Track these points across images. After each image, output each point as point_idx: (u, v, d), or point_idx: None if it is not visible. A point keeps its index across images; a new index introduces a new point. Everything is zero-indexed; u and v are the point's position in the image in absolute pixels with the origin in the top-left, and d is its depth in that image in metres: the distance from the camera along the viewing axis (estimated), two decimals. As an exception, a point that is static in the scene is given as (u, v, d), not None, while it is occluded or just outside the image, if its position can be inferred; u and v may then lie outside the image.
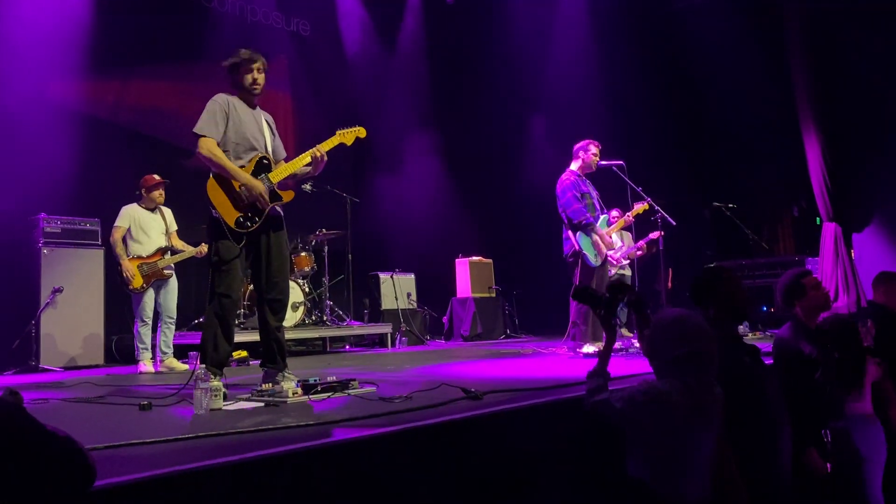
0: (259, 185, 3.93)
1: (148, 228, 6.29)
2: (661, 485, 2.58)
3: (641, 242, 7.69)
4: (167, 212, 6.49)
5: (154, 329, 6.30)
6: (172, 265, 6.33)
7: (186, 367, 5.97)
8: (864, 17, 9.01)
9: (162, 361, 6.23)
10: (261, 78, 4.12)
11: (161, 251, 6.29)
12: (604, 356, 2.92)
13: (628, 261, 8.03)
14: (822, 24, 8.85)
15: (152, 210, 6.38)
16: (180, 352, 7.07)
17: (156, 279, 6.23)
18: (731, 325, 3.04)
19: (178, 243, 6.44)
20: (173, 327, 6.39)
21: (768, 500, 2.80)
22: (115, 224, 6.24)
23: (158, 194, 6.39)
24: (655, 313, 2.76)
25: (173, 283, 6.38)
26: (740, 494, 2.73)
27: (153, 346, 6.27)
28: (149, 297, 6.20)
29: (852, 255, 8.61)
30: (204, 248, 6.27)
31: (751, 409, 2.82)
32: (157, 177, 6.42)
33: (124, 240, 6.22)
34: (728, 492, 2.70)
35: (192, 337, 6.94)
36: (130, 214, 6.28)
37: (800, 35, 8.77)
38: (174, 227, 6.50)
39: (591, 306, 2.98)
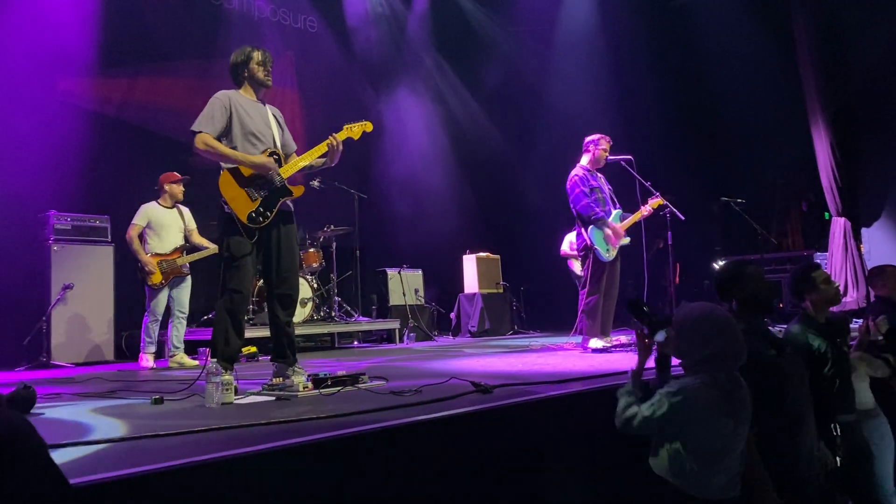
0: (266, 160, 3.96)
1: (165, 226, 6.32)
2: (690, 481, 2.51)
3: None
4: (185, 210, 6.52)
5: (164, 325, 6.34)
6: (188, 263, 6.37)
7: (196, 362, 6.02)
8: (872, 9, 8.96)
9: (172, 357, 6.26)
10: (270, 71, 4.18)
11: (179, 249, 6.33)
12: (637, 374, 2.76)
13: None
14: (830, 17, 8.82)
15: (170, 208, 6.42)
16: (190, 348, 7.12)
17: (174, 276, 6.27)
18: (756, 317, 3.06)
19: (201, 240, 6.48)
20: (185, 322, 6.42)
21: (791, 492, 2.80)
22: (133, 222, 6.26)
23: (179, 190, 6.44)
24: (676, 309, 2.70)
25: (189, 280, 6.42)
26: (766, 490, 2.70)
27: (163, 342, 6.32)
28: (163, 295, 6.24)
29: (862, 249, 8.59)
30: None
31: (774, 401, 2.82)
32: (177, 174, 6.46)
33: (142, 237, 6.26)
34: (755, 488, 2.67)
35: (202, 333, 6.98)
36: (147, 213, 6.30)
37: (808, 28, 8.74)
38: (193, 225, 6.52)
39: (638, 319, 2.84)
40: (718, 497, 2.52)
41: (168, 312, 6.33)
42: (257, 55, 4.10)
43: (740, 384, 2.58)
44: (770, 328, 3.21)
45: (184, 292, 6.37)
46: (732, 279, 3.14)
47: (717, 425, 2.50)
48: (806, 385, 3.07)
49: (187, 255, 6.34)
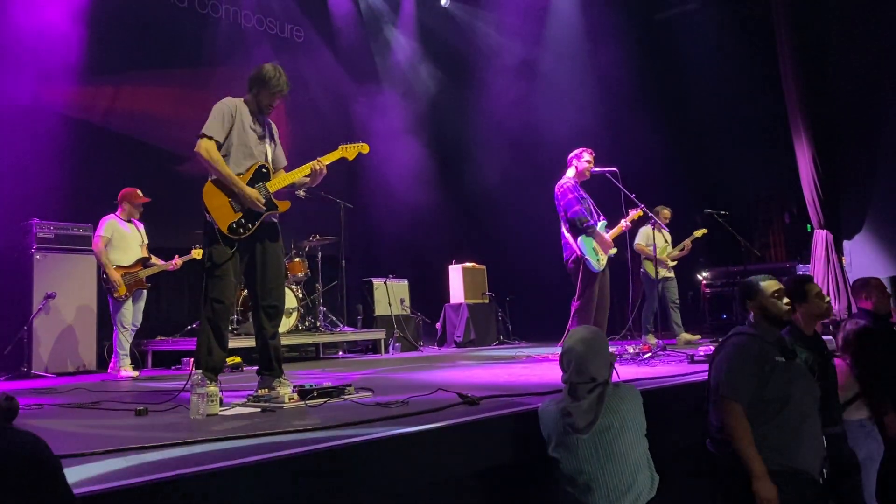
0: (253, 193, 3.93)
1: (127, 239, 6.38)
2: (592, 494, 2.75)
3: (686, 241, 7.79)
4: (140, 225, 6.58)
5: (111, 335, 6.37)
6: (145, 277, 6.41)
7: (137, 373, 6.14)
8: (855, 24, 9.10)
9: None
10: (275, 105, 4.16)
11: (140, 262, 6.38)
12: None
13: (674, 263, 8.17)
14: (813, 31, 8.93)
15: (128, 222, 6.46)
16: (173, 358, 7.08)
17: (136, 288, 6.31)
18: (770, 327, 3.30)
19: (151, 256, 6.54)
20: (132, 336, 6.44)
21: (798, 492, 2.99)
22: (99, 233, 6.28)
23: (138, 212, 6.50)
24: None
25: (145, 294, 6.48)
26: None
27: (111, 350, 6.36)
28: (128, 306, 6.28)
29: (843, 262, 8.67)
30: (178, 261, 6.47)
31: (778, 403, 3.08)
32: (140, 195, 6.48)
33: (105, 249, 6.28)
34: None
35: (185, 343, 6.93)
36: (113, 226, 6.34)
37: (791, 42, 8.84)
38: (146, 240, 6.57)
39: None
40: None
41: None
42: (272, 85, 4.03)
43: (613, 398, 2.86)
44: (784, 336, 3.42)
45: (140, 306, 6.43)
46: (745, 295, 3.40)
47: (573, 438, 2.79)
48: (813, 390, 3.24)
49: (145, 268, 6.39)
